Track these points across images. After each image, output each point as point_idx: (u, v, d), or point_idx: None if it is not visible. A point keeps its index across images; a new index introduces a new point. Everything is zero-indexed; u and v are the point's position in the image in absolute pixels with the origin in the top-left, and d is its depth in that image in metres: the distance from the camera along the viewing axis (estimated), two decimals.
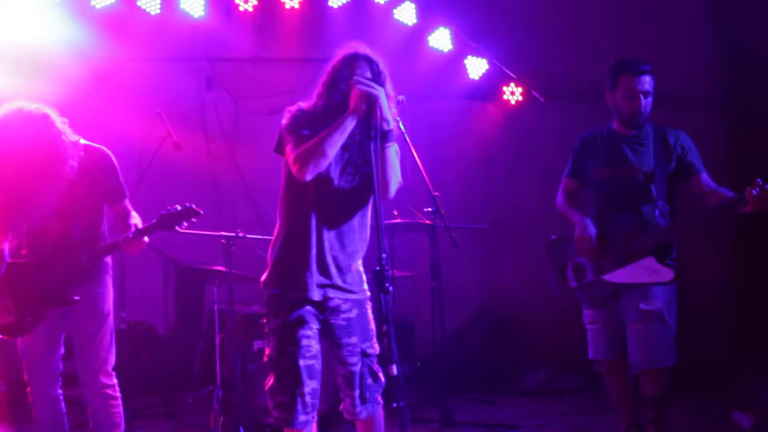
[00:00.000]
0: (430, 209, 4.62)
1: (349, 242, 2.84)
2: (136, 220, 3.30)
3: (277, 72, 6.47)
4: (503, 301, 6.39)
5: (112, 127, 5.22)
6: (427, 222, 4.77)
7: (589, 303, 3.60)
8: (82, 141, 3.22)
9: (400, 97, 3.83)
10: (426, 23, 6.39)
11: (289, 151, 2.73)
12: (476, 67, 6.53)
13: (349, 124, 2.68)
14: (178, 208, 3.16)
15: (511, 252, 6.43)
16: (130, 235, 3.16)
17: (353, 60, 2.84)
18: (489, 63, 6.55)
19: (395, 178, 2.80)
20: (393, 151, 2.76)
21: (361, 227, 2.89)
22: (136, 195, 4.16)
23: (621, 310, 3.51)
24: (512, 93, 6.68)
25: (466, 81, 6.57)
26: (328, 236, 2.79)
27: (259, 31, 6.40)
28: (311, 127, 2.75)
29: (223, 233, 4.49)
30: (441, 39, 6.40)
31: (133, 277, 5.30)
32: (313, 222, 2.77)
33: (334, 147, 2.68)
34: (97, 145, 3.29)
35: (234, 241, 4.45)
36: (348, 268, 2.86)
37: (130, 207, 3.40)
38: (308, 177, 2.69)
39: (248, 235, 4.52)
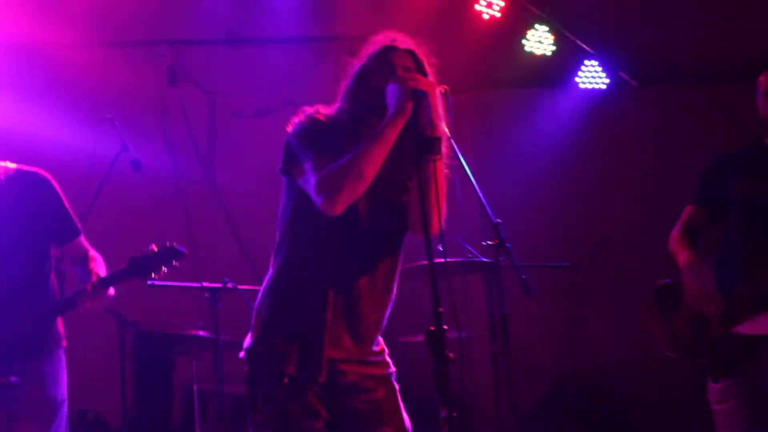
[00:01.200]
0: (489, 242, 4.61)
1: (375, 299, 2.84)
2: (97, 264, 3.29)
3: (265, 57, 6.48)
4: (590, 369, 6.32)
5: (47, 139, 5.30)
6: (486, 260, 4.77)
7: (714, 370, 3.54)
8: (9, 164, 3.23)
9: (443, 90, 3.87)
10: None
11: (309, 174, 2.73)
12: (540, 41, 6.58)
13: (392, 133, 2.67)
14: (155, 249, 3.15)
15: (600, 300, 6.37)
16: (89, 288, 3.12)
17: (389, 51, 2.87)
18: (558, 35, 6.61)
19: (444, 205, 2.78)
20: (440, 166, 2.75)
21: (390, 278, 2.87)
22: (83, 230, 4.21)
23: (763, 379, 3.45)
24: (592, 76, 6.68)
25: (527, 61, 6.59)
26: (349, 291, 2.78)
27: (239, 2, 6.53)
28: (335, 140, 2.77)
29: (206, 284, 4.52)
30: (490, 2, 6.48)
31: (74, 347, 5.29)
32: (330, 270, 2.77)
33: (374, 166, 2.67)
34: (29, 168, 3.28)
35: (220, 294, 4.49)
36: (371, 336, 2.86)
37: (87, 246, 3.36)
38: (340, 209, 2.67)
39: (240, 287, 4.55)
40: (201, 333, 4.73)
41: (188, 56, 6.58)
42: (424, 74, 2.84)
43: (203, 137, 6.64)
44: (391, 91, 2.70)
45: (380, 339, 2.92)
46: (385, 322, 2.89)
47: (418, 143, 2.67)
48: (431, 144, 2.69)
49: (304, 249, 2.81)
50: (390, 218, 2.84)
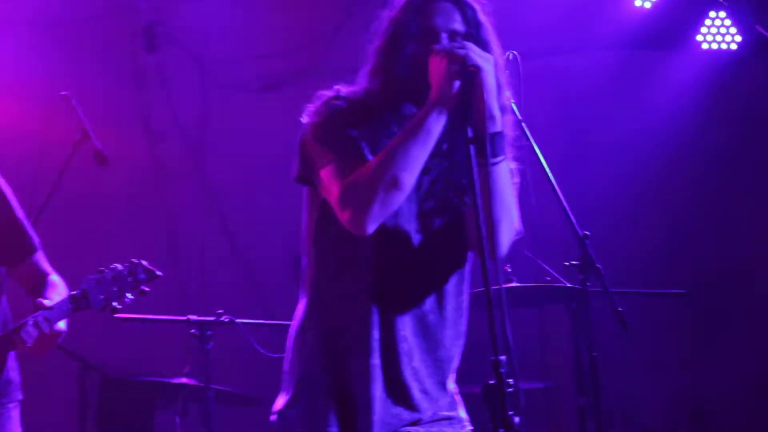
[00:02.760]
0: (574, 262, 4.61)
1: (439, 338, 2.88)
2: (55, 292, 3.36)
3: (273, 13, 6.57)
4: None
5: None
6: (570, 286, 4.79)
7: None
8: None
9: (509, 54, 3.88)
10: None
11: (330, 182, 2.77)
12: None
13: (435, 123, 2.71)
14: (119, 267, 3.22)
15: (729, 340, 6.38)
16: (30, 321, 3.17)
17: (428, 2, 2.90)
18: None
19: (508, 222, 2.82)
20: (502, 170, 2.79)
21: (457, 308, 2.92)
22: None
23: None
24: (717, 33, 6.68)
25: (630, 13, 6.61)
26: (404, 328, 2.84)
27: None
28: (363, 131, 2.82)
29: (193, 317, 4.60)
30: None
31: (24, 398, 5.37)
32: (374, 303, 2.82)
33: (412, 169, 2.71)
34: None
35: (214, 330, 4.56)
36: (440, 385, 2.90)
37: (45, 267, 3.46)
38: (370, 228, 2.72)
39: (238, 320, 4.62)
40: (186, 381, 4.79)
41: (171, 12, 6.66)
42: (479, 37, 2.87)
43: (191, 118, 6.72)
44: (433, 66, 2.74)
45: (454, 387, 2.96)
46: (457, 361, 2.92)
47: (469, 142, 2.67)
48: (486, 143, 2.70)
49: (336, 277, 2.87)
50: (447, 230, 2.88)
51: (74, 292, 3.24)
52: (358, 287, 2.83)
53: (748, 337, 6.38)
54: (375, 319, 2.81)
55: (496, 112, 2.73)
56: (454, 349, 2.92)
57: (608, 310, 4.60)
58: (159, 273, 3.27)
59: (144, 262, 3.27)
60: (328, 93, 2.87)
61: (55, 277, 3.45)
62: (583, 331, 4.79)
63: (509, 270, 5.04)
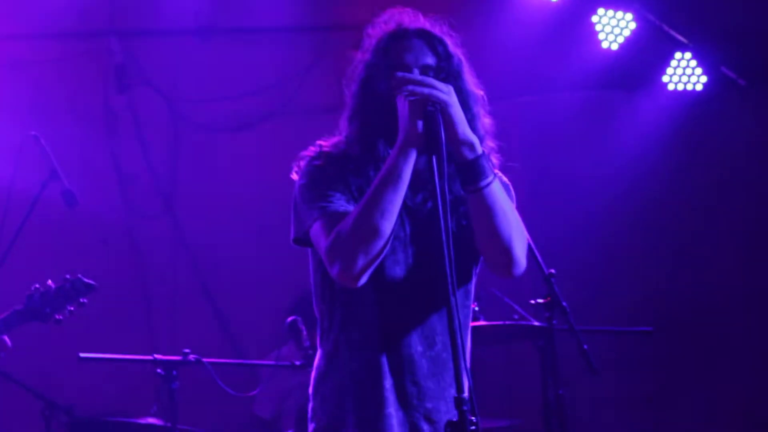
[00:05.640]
0: (540, 300, 4.62)
1: (449, 377, 2.88)
2: None
3: (245, 53, 6.61)
4: None
5: None
6: (537, 324, 4.78)
7: None
8: None
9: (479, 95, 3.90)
10: None
11: (316, 239, 2.83)
12: (616, 27, 6.61)
13: (405, 166, 2.74)
14: (52, 284, 3.32)
15: (696, 377, 6.37)
16: None
17: (397, 41, 2.91)
18: (639, 19, 6.62)
19: (518, 235, 2.84)
20: (496, 189, 2.80)
21: (465, 327, 2.95)
22: None
23: None
24: (684, 72, 6.71)
25: (599, 54, 6.65)
26: (414, 372, 2.87)
27: None
28: (345, 184, 2.86)
29: (159, 357, 4.57)
30: None
31: None
32: (382, 352, 2.87)
33: (390, 214, 2.74)
34: None
35: (179, 370, 4.54)
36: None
37: None
38: (361, 279, 2.77)
39: (205, 360, 4.60)
40: (154, 420, 4.75)
41: (143, 52, 6.70)
42: (450, 70, 2.87)
43: (162, 159, 6.73)
44: (399, 108, 2.76)
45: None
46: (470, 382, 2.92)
47: (451, 174, 2.71)
48: (467, 170, 2.74)
49: (344, 328, 2.92)
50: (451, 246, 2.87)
51: (19, 307, 3.27)
52: (365, 338, 2.88)
53: (714, 375, 6.36)
54: (384, 368, 2.86)
55: (473, 138, 2.75)
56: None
57: (575, 347, 4.61)
58: (96, 286, 3.31)
59: (81, 276, 3.31)
60: (310, 152, 2.94)
61: None
62: (550, 369, 4.80)
63: (476, 309, 5.04)
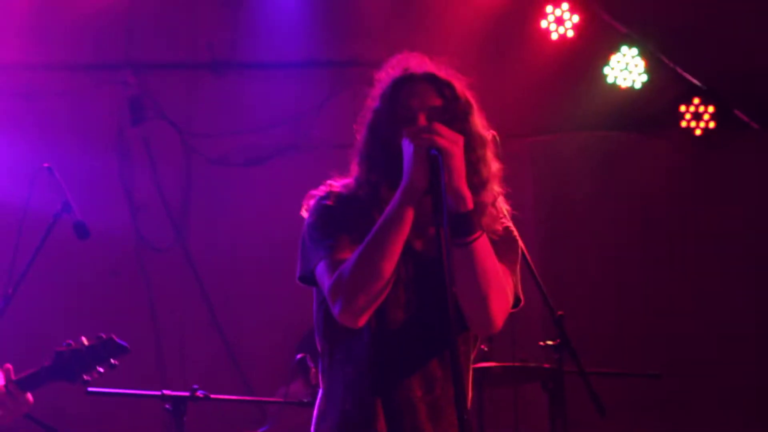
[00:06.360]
0: (550, 342, 4.61)
1: (447, 423, 2.88)
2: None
3: (259, 87, 6.62)
4: None
5: None
6: (546, 366, 4.76)
7: None
8: None
9: (492, 137, 3.89)
10: None
11: (320, 278, 2.86)
12: (628, 68, 6.64)
13: (406, 210, 2.77)
14: (85, 342, 3.23)
15: (710, 422, 6.33)
16: (2, 391, 3.18)
17: (403, 86, 2.93)
18: (651, 60, 6.65)
19: (498, 295, 2.83)
20: (480, 247, 2.80)
21: (466, 371, 2.95)
22: (4, 315, 4.28)
23: None
24: (697, 115, 6.72)
25: (610, 95, 6.67)
26: (414, 417, 2.87)
27: (227, 16, 6.59)
28: (352, 224, 2.89)
29: (167, 392, 4.55)
30: (556, 16, 6.50)
31: None
32: (377, 394, 2.87)
33: (391, 256, 2.77)
34: None
35: (186, 406, 4.52)
36: None
37: None
38: (360, 320, 2.80)
39: (213, 396, 4.56)
40: None
41: (157, 85, 6.70)
42: (456, 113, 2.88)
43: (175, 191, 6.73)
44: (404, 152, 2.77)
45: None
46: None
47: (442, 224, 2.67)
48: (455, 222, 2.74)
49: (342, 368, 2.93)
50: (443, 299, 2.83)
51: (48, 363, 3.23)
52: (359, 377, 2.88)
53: (725, 419, 6.33)
54: (379, 410, 2.86)
55: (464, 193, 2.75)
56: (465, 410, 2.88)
57: (584, 391, 4.59)
58: (129, 348, 3.27)
59: (114, 337, 3.27)
60: (320, 191, 2.96)
61: None
62: (559, 411, 4.78)
63: (486, 350, 5.02)
